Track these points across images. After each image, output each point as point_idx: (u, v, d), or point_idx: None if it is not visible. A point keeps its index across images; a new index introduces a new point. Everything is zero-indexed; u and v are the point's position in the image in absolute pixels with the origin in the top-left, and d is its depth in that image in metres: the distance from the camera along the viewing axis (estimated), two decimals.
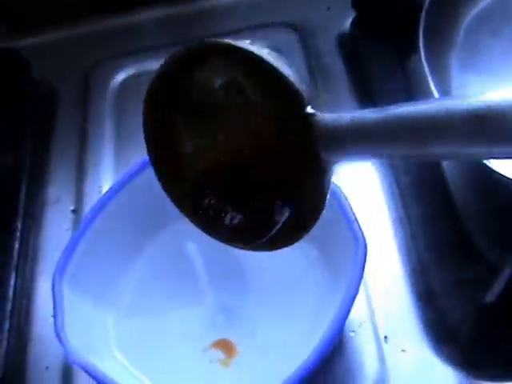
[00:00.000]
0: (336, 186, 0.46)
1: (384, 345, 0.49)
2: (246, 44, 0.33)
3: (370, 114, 0.30)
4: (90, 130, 0.66)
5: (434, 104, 0.28)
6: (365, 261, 0.43)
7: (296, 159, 0.35)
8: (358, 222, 0.44)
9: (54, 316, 0.44)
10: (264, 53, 0.33)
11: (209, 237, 0.48)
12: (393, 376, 0.47)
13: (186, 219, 0.49)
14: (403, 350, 0.48)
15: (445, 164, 0.54)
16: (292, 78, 0.32)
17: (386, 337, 0.49)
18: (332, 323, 0.41)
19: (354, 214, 0.45)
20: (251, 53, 0.32)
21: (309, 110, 0.32)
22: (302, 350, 0.43)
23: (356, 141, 0.31)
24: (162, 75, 0.35)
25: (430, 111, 0.28)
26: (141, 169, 0.49)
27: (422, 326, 0.49)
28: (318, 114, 0.31)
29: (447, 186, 0.53)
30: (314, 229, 0.47)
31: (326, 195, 0.34)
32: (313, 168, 0.33)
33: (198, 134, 0.39)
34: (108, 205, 0.49)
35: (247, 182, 0.38)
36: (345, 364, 0.48)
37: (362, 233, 0.44)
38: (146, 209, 0.51)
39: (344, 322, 0.41)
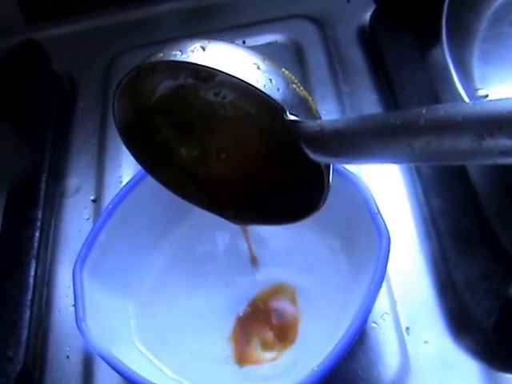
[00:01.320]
0: (359, 178, 0.45)
1: (406, 336, 0.48)
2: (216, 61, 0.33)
3: (352, 123, 0.30)
4: (110, 120, 0.65)
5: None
6: (388, 254, 0.42)
7: (287, 161, 0.38)
8: (381, 214, 0.43)
9: (75, 306, 0.44)
10: (241, 67, 0.33)
11: (231, 225, 0.48)
12: (415, 367, 0.47)
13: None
14: (425, 342, 0.48)
15: None
16: (269, 89, 0.32)
17: (407, 328, 0.48)
18: (356, 316, 0.40)
19: (377, 206, 0.44)
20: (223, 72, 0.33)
21: (290, 117, 0.32)
22: (326, 341, 0.43)
23: (338, 149, 0.31)
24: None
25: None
26: None
27: (444, 317, 0.49)
28: (300, 120, 0.32)
29: (470, 180, 0.52)
30: (337, 221, 0.47)
31: (326, 189, 0.36)
32: (305, 167, 0.35)
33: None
34: (129, 195, 0.48)
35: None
36: (367, 355, 0.48)
37: (386, 225, 0.43)
38: (167, 198, 0.50)
39: (368, 314, 0.41)
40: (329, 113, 0.62)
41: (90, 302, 0.44)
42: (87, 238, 0.46)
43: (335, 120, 0.31)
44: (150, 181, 0.47)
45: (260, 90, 0.32)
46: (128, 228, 0.49)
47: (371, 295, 0.40)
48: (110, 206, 0.47)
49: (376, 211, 0.43)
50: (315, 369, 0.39)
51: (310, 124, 0.32)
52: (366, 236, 0.45)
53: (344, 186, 0.45)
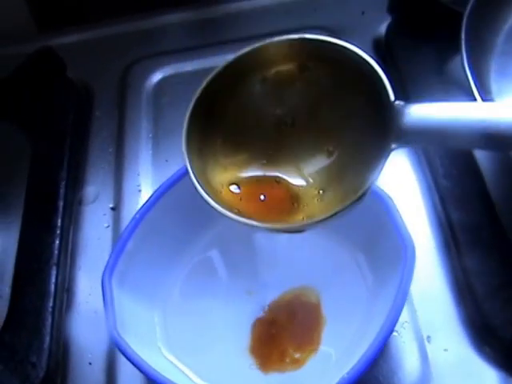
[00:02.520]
0: (382, 190, 0.47)
1: (426, 344, 0.49)
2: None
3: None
4: (127, 129, 0.67)
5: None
6: (414, 265, 0.44)
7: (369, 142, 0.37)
8: (405, 226, 0.45)
9: (106, 315, 0.45)
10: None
11: (255, 233, 0.49)
12: (435, 375, 0.48)
13: (231, 220, 0.50)
14: (445, 350, 0.49)
15: (484, 167, 0.54)
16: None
17: (428, 336, 0.50)
18: (384, 324, 0.42)
19: (401, 218, 0.45)
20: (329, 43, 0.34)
21: (395, 100, 0.34)
22: (351, 348, 0.45)
23: (430, 137, 0.32)
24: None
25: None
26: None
27: (464, 325, 0.50)
28: (403, 104, 0.33)
29: (487, 190, 0.54)
30: (361, 232, 0.48)
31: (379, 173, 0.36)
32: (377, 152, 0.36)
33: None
34: (156, 204, 0.50)
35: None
36: (388, 363, 0.49)
37: (411, 237, 0.44)
38: (193, 208, 0.51)
39: (396, 323, 0.42)
40: None
41: (119, 309, 0.46)
42: (115, 247, 0.48)
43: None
44: (176, 190, 0.50)
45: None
46: (154, 237, 0.50)
47: (398, 304, 0.42)
48: (137, 216, 0.49)
49: (401, 223, 0.45)
50: (345, 376, 0.40)
51: (412, 108, 0.33)
52: (390, 247, 0.46)
53: (368, 198, 0.47)
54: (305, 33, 0.68)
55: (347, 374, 0.40)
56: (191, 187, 0.49)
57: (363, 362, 0.41)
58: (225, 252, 0.54)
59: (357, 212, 0.46)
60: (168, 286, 0.52)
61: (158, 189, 0.49)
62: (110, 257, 0.47)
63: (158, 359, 0.47)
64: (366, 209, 0.45)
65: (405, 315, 0.50)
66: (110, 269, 0.47)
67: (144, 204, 0.49)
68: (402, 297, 0.42)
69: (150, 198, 0.49)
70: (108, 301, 0.46)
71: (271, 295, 0.52)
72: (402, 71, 0.64)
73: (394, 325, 0.42)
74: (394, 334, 0.49)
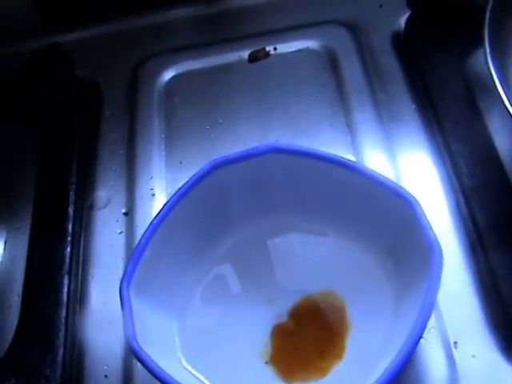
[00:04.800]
0: (408, 192, 0.47)
1: (454, 350, 0.49)
2: None
3: None
4: (139, 129, 0.66)
5: None
6: (441, 269, 0.43)
7: None
8: (432, 229, 0.44)
9: (125, 326, 0.45)
10: None
11: (275, 239, 0.49)
12: (464, 382, 0.48)
13: (253, 223, 0.50)
14: (473, 356, 0.49)
15: (510, 167, 0.55)
16: None
17: (455, 342, 0.49)
18: (412, 331, 0.41)
19: (428, 221, 0.45)
20: None
21: None
22: (376, 357, 0.45)
23: None
24: None
25: None
26: (207, 172, 0.49)
27: (491, 330, 0.49)
28: None
29: None
30: (387, 236, 0.48)
31: None
32: None
33: None
34: (173, 210, 0.49)
35: None
36: (415, 369, 0.49)
37: (438, 241, 0.44)
38: (210, 214, 0.51)
39: (424, 329, 0.41)
40: (366, 122, 0.63)
41: (137, 320, 0.45)
42: (133, 254, 0.47)
43: None
44: (191, 198, 0.49)
45: None
46: (171, 244, 0.50)
47: (426, 311, 0.42)
48: (154, 221, 0.48)
49: (427, 226, 0.44)
50: None
51: None
52: (416, 250, 0.46)
53: (393, 200, 0.46)
54: (320, 26, 0.69)
55: (375, 382, 0.40)
56: (211, 191, 0.49)
57: (391, 370, 0.40)
58: (243, 259, 0.54)
59: (381, 214, 0.46)
60: (186, 295, 0.52)
61: (174, 194, 0.49)
62: (128, 265, 0.47)
63: (178, 370, 0.47)
64: (391, 210, 0.46)
65: (431, 320, 0.49)
66: (127, 277, 0.46)
67: (161, 210, 0.49)
68: (429, 303, 0.42)
69: (167, 203, 0.49)
70: (127, 311, 0.45)
71: (292, 301, 0.52)
72: (423, 67, 0.64)
73: (423, 332, 0.41)
74: (421, 340, 0.49)
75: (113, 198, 0.62)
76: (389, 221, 0.47)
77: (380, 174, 0.47)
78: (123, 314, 0.45)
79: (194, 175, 0.49)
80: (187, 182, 0.49)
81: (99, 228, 0.61)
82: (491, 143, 0.56)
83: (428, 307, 0.41)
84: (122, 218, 0.60)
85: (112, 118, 0.69)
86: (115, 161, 0.65)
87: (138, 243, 0.48)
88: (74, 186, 0.62)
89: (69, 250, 0.58)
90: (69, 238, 0.58)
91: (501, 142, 0.56)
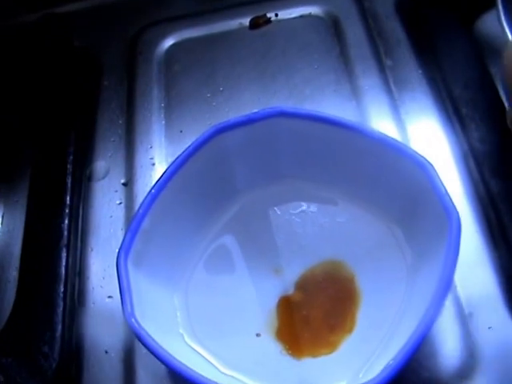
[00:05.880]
0: (423, 157, 0.42)
1: (469, 322, 0.45)
2: None
3: None
4: (138, 99, 0.62)
5: None
6: (460, 237, 0.38)
7: None
8: (449, 195, 0.40)
9: (122, 300, 0.40)
10: None
11: (280, 208, 0.48)
12: (480, 355, 0.44)
13: (257, 191, 0.45)
14: (490, 328, 0.45)
15: None
16: None
17: (470, 313, 0.45)
18: (431, 304, 0.37)
19: (444, 185, 0.40)
20: None
21: None
22: (389, 331, 0.41)
23: None
24: None
25: None
26: (207, 138, 0.45)
27: (508, 301, 0.45)
28: None
29: None
30: (400, 203, 0.44)
31: None
32: None
33: None
34: (172, 179, 0.45)
35: None
36: (429, 342, 0.44)
37: (455, 206, 0.39)
38: (212, 182, 0.47)
39: (444, 302, 0.37)
40: (372, 88, 0.58)
41: (136, 294, 0.41)
42: (130, 224, 0.43)
43: None
44: (192, 165, 0.45)
45: None
46: (172, 214, 0.45)
47: (446, 282, 0.37)
48: (153, 191, 0.44)
49: (444, 191, 0.40)
50: (391, 362, 0.35)
51: None
52: (431, 219, 0.41)
53: (406, 164, 0.42)
54: None
55: (393, 359, 0.35)
56: (209, 160, 0.44)
57: (409, 347, 0.36)
58: (247, 229, 0.49)
59: (393, 179, 0.42)
60: (188, 267, 0.48)
61: (173, 162, 0.44)
62: (126, 235, 0.42)
63: (179, 347, 0.43)
64: (404, 176, 0.41)
65: None
66: (125, 248, 0.42)
67: (160, 178, 0.44)
68: (448, 274, 0.37)
69: (166, 171, 0.44)
70: (124, 284, 0.41)
71: (299, 272, 0.48)
72: (429, 30, 0.60)
73: (443, 304, 0.37)
74: None
75: (112, 168, 0.58)
76: (401, 187, 0.43)
77: (391, 138, 0.42)
78: (120, 286, 0.40)
79: (193, 142, 0.45)
80: (187, 148, 0.45)
81: (98, 199, 0.56)
82: (502, 106, 0.52)
83: (447, 279, 0.37)
84: (121, 189, 0.56)
85: (111, 88, 0.64)
86: (114, 131, 0.61)
87: (136, 213, 0.43)
88: (71, 158, 0.58)
89: (67, 222, 0.53)
90: (67, 210, 0.54)
91: None
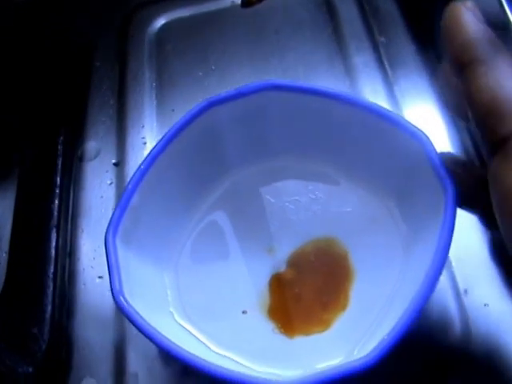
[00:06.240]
0: (416, 127, 0.40)
1: (464, 299, 0.44)
2: None
3: None
4: (129, 79, 0.60)
5: None
6: (456, 209, 0.36)
7: None
8: (445, 167, 0.38)
9: (110, 278, 0.38)
10: None
11: (272, 184, 0.47)
12: (475, 331, 0.43)
13: (249, 167, 0.44)
14: (486, 305, 0.43)
15: None
16: None
17: (465, 290, 0.44)
18: (426, 278, 0.35)
19: (439, 158, 0.38)
20: None
21: None
22: (383, 308, 0.40)
23: None
24: None
25: None
26: (198, 113, 0.43)
27: (504, 278, 0.44)
28: None
29: None
30: (393, 176, 0.42)
31: None
32: None
33: None
34: (161, 155, 0.43)
35: None
36: (424, 319, 0.44)
37: (451, 179, 0.37)
38: (203, 158, 0.45)
39: (439, 276, 0.35)
40: (366, 65, 0.57)
41: (124, 272, 0.39)
42: (119, 202, 0.41)
43: None
44: (182, 140, 0.43)
45: None
46: (161, 191, 0.44)
47: (441, 257, 0.35)
48: (142, 167, 0.42)
49: (440, 164, 0.38)
50: (385, 338, 0.34)
51: None
52: (427, 194, 0.39)
53: (401, 138, 0.40)
54: None
55: (388, 335, 0.34)
56: (200, 135, 0.43)
57: (403, 323, 0.34)
58: (239, 206, 0.48)
59: (388, 154, 0.40)
60: (179, 245, 0.46)
61: (163, 137, 0.43)
62: (114, 212, 0.40)
63: (170, 326, 0.41)
64: (399, 149, 0.39)
65: None
66: (114, 226, 0.40)
67: (148, 154, 0.42)
68: (444, 247, 0.35)
69: (156, 146, 0.42)
70: (112, 261, 0.39)
71: (291, 249, 0.46)
72: (423, 6, 0.57)
73: (437, 280, 0.35)
74: None
75: (103, 148, 0.56)
76: (397, 161, 0.41)
77: (387, 109, 0.41)
78: (108, 263, 0.39)
79: (183, 116, 0.43)
80: (176, 123, 0.43)
81: (89, 180, 0.55)
82: None
83: (442, 254, 0.35)
84: (112, 169, 0.54)
85: (102, 69, 0.62)
86: (105, 111, 0.59)
87: (125, 189, 0.41)
88: (62, 138, 0.56)
89: (57, 202, 0.52)
90: (57, 191, 0.53)
91: None
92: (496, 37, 0.29)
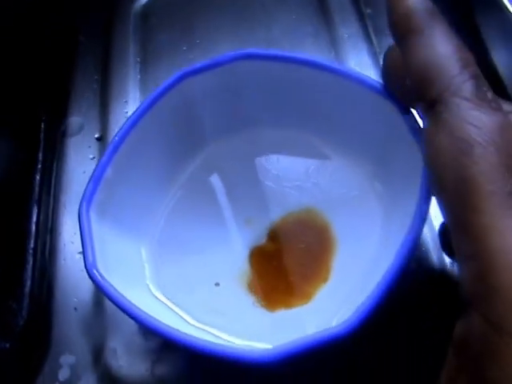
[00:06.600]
0: (394, 93, 0.38)
1: (445, 257, 0.43)
2: None
3: None
4: (113, 54, 0.59)
5: None
6: None
7: None
8: (420, 126, 0.36)
9: (83, 251, 0.37)
10: None
11: (249, 157, 0.45)
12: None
13: (226, 138, 0.42)
14: None
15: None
16: None
17: None
18: (402, 246, 0.33)
19: (416, 120, 0.37)
20: None
21: None
22: (365, 277, 0.38)
23: None
24: None
25: None
26: (172, 84, 0.42)
27: None
28: None
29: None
30: (372, 143, 0.40)
31: None
32: None
33: None
34: (136, 126, 0.41)
35: None
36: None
37: None
38: (180, 129, 0.44)
39: (415, 246, 0.33)
40: (351, 37, 0.56)
41: (99, 245, 0.38)
42: (93, 174, 0.39)
43: None
44: (158, 111, 0.41)
45: None
46: (136, 163, 0.42)
47: (420, 216, 0.33)
48: (116, 139, 0.40)
49: (417, 126, 0.36)
50: (362, 304, 0.32)
51: None
52: (404, 158, 0.38)
53: (379, 103, 0.38)
54: None
55: (363, 303, 0.32)
56: (175, 106, 0.41)
57: (381, 288, 0.32)
58: (217, 177, 0.46)
59: (368, 121, 0.39)
60: (156, 218, 0.44)
61: (136, 109, 0.41)
62: (87, 185, 0.39)
63: (147, 300, 0.40)
64: (380, 116, 0.38)
65: None
66: (87, 198, 0.39)
67: (122, 126, 0.41)
68: (423, 209, 0.34)
69: (130, 117, 0.41)
70: (86, 235, 0.37)
71: (270, 221, 0.44)
72: None
73: (419, 235, 0.33)
74: None
75: (86, 123, 0.55)
76: (374, 128, 0.40)
77: (365, 75, 0.39)
78: (82, 236, 0.37)
79: (157, 88, 0.41)
80: (150, 95, 0.41)
81: (72, 155, 0.53)
82: (486, 61, 0.50)
83: (420, 215, 0.33)
84: (95, 144, 0.53)
85: (86, 43, 0.61)
86: (89, 86, 0.58)
87: (99, 162, 0.40)
88: (45, 113, 0.56)
89: (38, 177, 0.51)
90: (39, 166, 0.52)
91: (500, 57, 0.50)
92: (433, 6, 0.30)
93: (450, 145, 0.26)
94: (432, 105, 0.27)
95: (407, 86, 0.31)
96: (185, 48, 0.57)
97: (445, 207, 0.27)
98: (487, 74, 0.44)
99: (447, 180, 0.26)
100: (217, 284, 0.42)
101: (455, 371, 0.26)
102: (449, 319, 0.28)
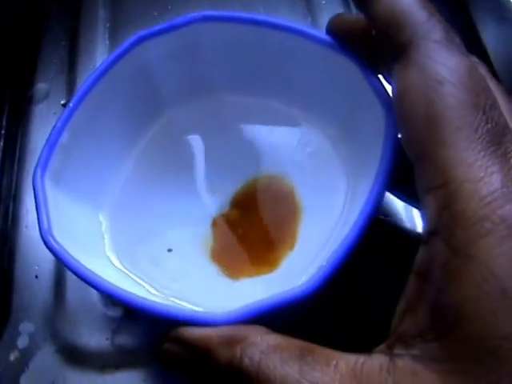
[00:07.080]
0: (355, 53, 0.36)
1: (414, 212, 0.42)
2: None
3: None
4: (82, 19, 0.57)
5: None
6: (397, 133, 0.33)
7: None
8: (382, 83, 0.35)
9: (38, 218, 0.35)
10: None
11: (212, 123, 0.43)
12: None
13: (186, 104, 0.40)
14: None
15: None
16: None
17: None
18: (366, 204, 0.32)
19: (378, 78, 0.35)
20: None
21: None
22: (330, 242, 0.36)
23: None
24: None
25: None
26: (128, 48, 0.40)
27: None
28: None
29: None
30: (335, 106, 0.38)
31: None
32: None
33: None
34: (93, 91, 0.39)
35: None
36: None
37: (388, 94, 0.34)
38: (137, 95, 0.42)
39: (377, 205, 0.32)
40: (329, 3, 0.54)
41: (55, 212, 0.36)
42: (47, 140, 0.37)
43: None
44: (115, 75, 0.39)
45: None
46: (94, 128, 0.40)
47: (382, 179, 0.32)
48: (71, 105, 0.38)
49: (377, 81, 0.35)
50: (324, 265, 0.31)
51: None
52: (369, 120, 0.36)
53: (341, 64, 0.37)
54: None
55: (326, 261, 0.31)
56: (132, 71, 0.39)
57: (343, 248, 0.31)
58: (176, 144, 0.44)
59: (327, 80, 0.37)
60: (114, 185, 0.42)
61: (91, 74, 0.39)
62: (42, 151, 0.37)
63: (107, 270, 0.38)
64: (338, 75, 0.36)
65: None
66: (42, 163, 0.37)
67: (77, 90, 0.39)
68: (389, 161, 0.32)
69: (84, 83, 0.39)
70: (40, 201, 0.36)
71: (234, 188, 0.43)
72: None
73: (381, 195, 0.32)
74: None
75: (52, 90, 0.53)
76: (338, 90, 0.38)
77: (326, 36, 0.37)
78: (36, 204, 0.35)
79: (113, 52, 0.39)
80: (106, 59, 0.39)
81: (37, 122, 0.51)
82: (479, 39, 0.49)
83: (385, 171, 0.32)
84: (61, 110, 0.50)
85: (54, 8, 0.58)
86: (57, 53, 0.55)
87: (53, 127, 0.37)
88: (11, 80, 0.53)
89: (2, 144, 0.49)
90: (3, 131, 0.50)
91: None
92: None
93: (420, 82, 0.26)
94: (401, 51, 0.28)
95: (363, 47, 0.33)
96: (156, 14, 0.55)
97: (412, 142, 0.27)
98: (477, 56, 0.43)
99: (416, 116, 0.27)
100: (179, 254, 0.40)
101: (415, 296, 0.26)
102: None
